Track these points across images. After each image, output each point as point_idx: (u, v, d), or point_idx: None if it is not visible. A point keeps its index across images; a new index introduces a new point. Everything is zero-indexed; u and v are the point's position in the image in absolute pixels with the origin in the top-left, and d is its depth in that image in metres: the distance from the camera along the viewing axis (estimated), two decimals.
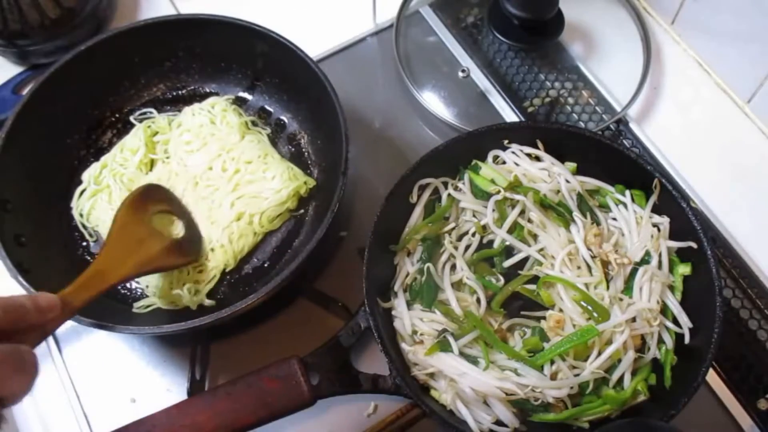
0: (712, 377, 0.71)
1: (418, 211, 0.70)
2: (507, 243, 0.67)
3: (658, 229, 0.68)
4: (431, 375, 0.64)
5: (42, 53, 0.86)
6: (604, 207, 0.71)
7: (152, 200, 0.68)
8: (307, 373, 0.62)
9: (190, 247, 0.67)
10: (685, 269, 0.66)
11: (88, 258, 0.75)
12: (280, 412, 0.60)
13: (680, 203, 0.66)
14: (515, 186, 0.68)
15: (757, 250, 0.77)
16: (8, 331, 0.43)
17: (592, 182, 0.71)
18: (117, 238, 0.62)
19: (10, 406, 0.41)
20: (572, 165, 0.72)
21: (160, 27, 0.78)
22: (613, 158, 0.69)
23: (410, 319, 0.66)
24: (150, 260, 0.62)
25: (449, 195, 0.70)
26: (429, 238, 0.68)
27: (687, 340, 0.64)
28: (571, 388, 0.61)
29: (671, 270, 0.67)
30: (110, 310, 0.71)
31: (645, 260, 0.66)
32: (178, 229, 0.67)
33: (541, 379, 0.61)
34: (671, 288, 0.66)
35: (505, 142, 0.71)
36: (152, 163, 0.79)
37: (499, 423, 0.62)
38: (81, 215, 0.76)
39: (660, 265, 0.66)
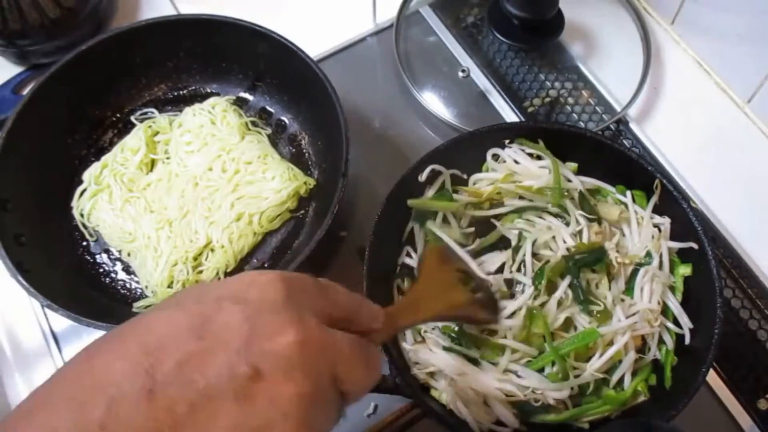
0: (712, 377, 0.71)
1: (430, 193, 0.71)
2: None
3: (659, 230, 0.68)
4: (431, 374, 0.64)
5: (42, 53, 0.86)
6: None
7: (451, 260, 0.65)
8: None
9: (490, 307, 0.64)
10: (685, 270, 0.66)
11: (88, 258, 0.76)
12: None
13: (681, 204, 0.66)
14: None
15: (757, 250, 0.77)
16: (348, 325, 0.41)
17: (593, 182, 0.71)
18: (428, 278, 0.59)
19: (351, 402, 0.39)
20: (573, 165, 0.71)
21: (160, 27, 0.78)
22: (614, 158, 0.69)
23: None
24: (458, 306, 0.59)
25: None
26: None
27: (687, 340, 0.63)
28: (572, 389, 0.61)
29: (672, 271, 0.67)
30: (110, 310, 0.71)
31: (646, 261, 0.66)
32: (475, 293, 0.64)
33: (541, 381, 0.61)
34: (672, 288, 0.66)
35: (506, 142, 0.71)
36: (153, 164, 0.79)
37: (499, 423, 0.62)
38: (81, 215, 0.76)
39: (661, 266, 0.66)
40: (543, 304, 0.64)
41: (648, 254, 0.66)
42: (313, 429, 0.35)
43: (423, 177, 0.68)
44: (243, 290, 0.36)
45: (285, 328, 0.34)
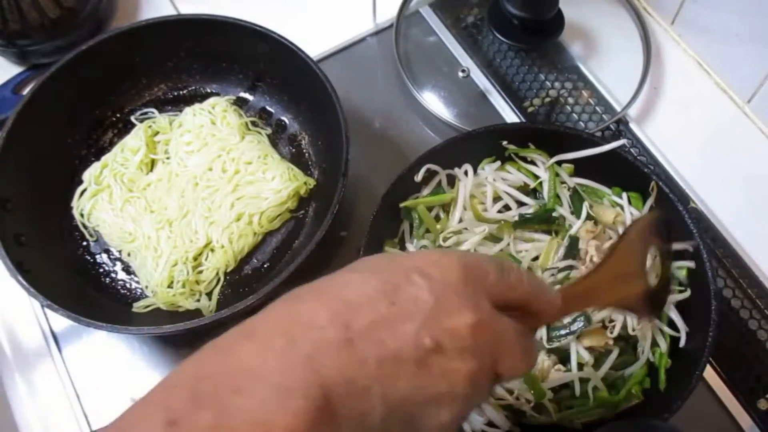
0: (712, 377, 0.70)
1: (425, 193, 0.71)
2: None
3: None
4: None
5: (42, 53, 0.86)
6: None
7: (656, 234, 0.60)
8: None
9: (656, 304, 0.60)
10: (681, 273, 0.66)
11: (88, 258, 0.76)
12: None
13: (677, 206, 0.66)
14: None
15: (757, 250, 0.77)
16: (522, 307, 0.43)
17: (590, 184, 0.71)
18: (618, 260, 0.55)
19: (503, 383, 0.44)
20: (569, 167, 0.72)
21: (160, 27, 0.78)
22: (611, 160, 0.69)
23: None
24: (629, 300, 0.56)
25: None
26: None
27: (683, 343, 0.64)
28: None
29: None
30: (110, 310, 0.71)
31: None
32: (653, 279, 0.59)
33: (519, 384, 0.61)
34: None
35: (504, 143, 0.71)
36: (153, 164, 0.79)
37: (491, 424, 0.62)
38: (81, 215, 0.76)
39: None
40: None
41: None
42: (471, 405, 0.39)
43: (419, 177, 0.69)
44: (429, 267, 0.39)
45: (463, 310, 0.37)
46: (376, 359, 0.35)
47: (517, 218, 0.69)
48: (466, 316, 0.37)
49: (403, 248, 0.70)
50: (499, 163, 0.72)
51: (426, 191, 0.71)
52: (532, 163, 0.72)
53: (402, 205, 0.69)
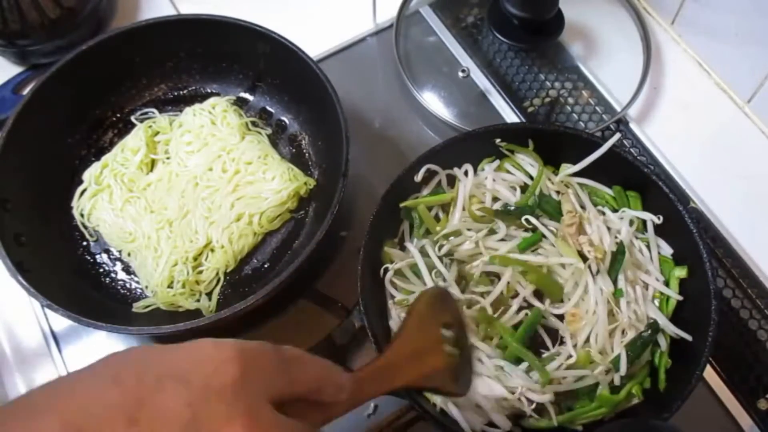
0: (712, 377, 0.71)
1: (425, 193, 0.71)
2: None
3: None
4: None
5: (42, 53, 0.86)
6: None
7: (445, 307, 0.58)
8: None
9: (463, 378, 0.57)
10: (681, 272, 0.66)
11: (88, 258, 0.76)
12: None
13: (677, 206, 0.66)
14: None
15: (757, 250, 0.77)
16: (303, 399, 0.38)
17: (589, 183, 0.71)
18: (411, 334, 0.53)
19: None
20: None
21: (160, 27, 0.78)
22: (611, 160, 0.69)
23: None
24: (432, 375, 0.53)
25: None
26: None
27: (688, 337, 0.64)
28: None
29: (667, 273, 0.67)
30: (110, 310, 0.71)
31: (620, 249, 0.66)
32: (455, 351, 0.57)
33: (526, 380, 0.61)
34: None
35: (497, 141, 0.71)
36: (153, 164, 0.79)
37: (491, 424, 0.62)
38: (81, 215, 0.76)
39: (652, 259, 0.67)
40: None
41: (621, 247, 0.66)
42: None
43: (419, 177, 0.69)
44: (191, 369, 0.32)
45: (231, 421, 0.31)
46: None
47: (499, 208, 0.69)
48: (237, 427, 0.31)
49: (403, 248, 0.70)
50: (498, 162, 0.72)
51: (426, 191, 0.71)
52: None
53: (402, 204, 0.69)
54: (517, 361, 0.62)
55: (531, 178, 0.71)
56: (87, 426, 0.30)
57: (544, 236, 0.67)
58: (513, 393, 0.61)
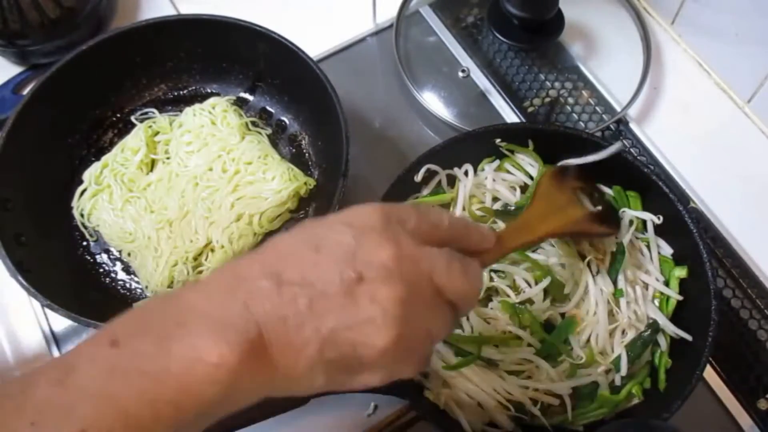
0: (712, 377, 0.71)
1: (425, 193, 0.71)
2: None
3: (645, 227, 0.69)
4: (425, 375, 0.64)
5: (42, 53, 0.86)
6: None
7: (572, 177, 0.67)
8: None
9: (609, 220, 0.67)
10: (681, 272, 0.66)
11: (88, 258, 0.76)
12: (272, 411, 0.60)
13: (677, 206, 0.66)
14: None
15: (757, 250, 0.77)
16: (450, 246, 0.45)
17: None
18: (541, 199, 0.63)
19: (463, 313, 0.46)
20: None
21: (160, 27, 0.78)
22: (611, 159, 0.69)
23: None
24: (574, 222, 0.63)
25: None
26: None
27: (686, 336, 0.64)
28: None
29: (667, 273, 0.67)
30: (110, 310, 0.71)
31: (619, 249, 0.66)
32: (596, 207, 0.66)
33: (549, 371, 0.61)
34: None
35: (497, 141, 0.71)
36: (153, 164, 0.79)
37: (492, 424, 0.62)
38: (82, 215, 0.76)
39: (652, 259, 0.67)
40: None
41: (620, 246, 0.66)
42: (411, 327, 0.41)
43: (419, 177, 0.69)
44: (350, 217, 0.43)
45: (383, 245, 0.41)
46: (306, 298, 0.39)
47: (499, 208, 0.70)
48: (386, 248, 0.41)
49: None
50: (498, 162, 0.72)
51: (426, 191, 0.71)
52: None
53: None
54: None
55: (531, 178, 0.71)
56: (287, 255, 0.41)
57: None
58: (537, 389, 0.61)
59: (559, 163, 0.67)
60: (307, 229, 0.43)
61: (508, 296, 0.64)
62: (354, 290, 0.39)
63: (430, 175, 0.70)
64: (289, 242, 0.42)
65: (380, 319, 0.39)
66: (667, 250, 0.68)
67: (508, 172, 0.72)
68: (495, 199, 0.71)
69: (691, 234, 0.65)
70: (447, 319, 0.44)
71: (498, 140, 0.71)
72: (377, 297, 0.40)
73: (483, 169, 0.72)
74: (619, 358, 0.62)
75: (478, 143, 0.71)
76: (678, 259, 0.67)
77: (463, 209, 0.69)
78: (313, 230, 0.43)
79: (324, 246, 0.41)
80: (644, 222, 0.69)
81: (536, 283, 0.64)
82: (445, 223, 0.46)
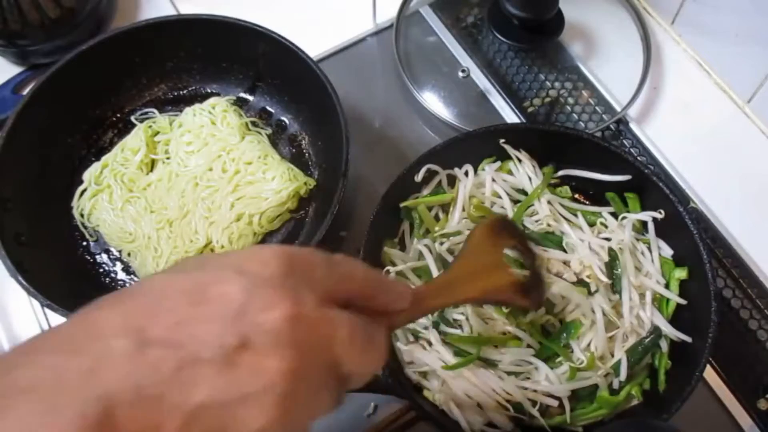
0: (712, 377, 0.71)
1: (425, 193, 0.71)
2: None
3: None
4: (424, 375, 0.64)
5: (42, 53, 0.86)
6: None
7: (507, 233, 0.62)
8: None
9: (533, 293, 0.61)
10: (681, 273, 0.66)
11: (88, 258, 0.76)
12: None
13: (677, 206, 0.66)
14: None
15: (757, 250, 0.77)
16: (358, 304, 0.40)
17: (582, 208, 0.71)
18: (470, 256, 0.57)
19: (353, 386, 0.39)
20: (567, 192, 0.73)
21: (160, 27, 0.78)
22: (611, 160, 0.69)
23: None
24: (497, 290, 0.57)
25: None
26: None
27: (686, 339, 0.64)
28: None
29: (667, 274, 0.67)
30: None
31: (613, 255, 0.66)
32: (523, 272, 0.61)
33: (549, 374, 0.61)
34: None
35: (501, 141, 0.71)
36: (153, 164, 0.79)
37: (491, 425, 0.62)
38: (81, 215, 0.76)
39: (652, 257, 0.67)
40: None
41: (613, 253, 0.66)
42: (298, 406, 0.34)
43: (419, 177, 0.69)
44: (246, 262, 0.36)
45: (278, 302, 0.34)
46: (173, 362, 0.32)
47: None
48: (281, 307, 0.34)
49: (403, 248, 0.70)
50: (499, 163, 0.72)
51: (426, 191, 0.71)
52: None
53: (402, 204, 0.69)
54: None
55: (531, 180, 0.71)
56: (157, 307, 0.34)
57: None
58: (535, 390, 0.61)
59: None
60: (192, 271, 0.36)
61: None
62: (234, 358, 0.33)
63: (430, 175, 0.70)
64: (165, 286, 0.35)
65: (261, 397, 0.33)
66: (668, 251, 0.68)
67: (509, 172, 0.72)
68: (496, 195, 0.71)
69: (691, 234, 0.65)
70: (336, 395, 0.37)
71: (502, 141, 0.71)
72: (261, 369, 0.33)
73: (483, 169, 0.72)
74: (619, 362, 0.62)
75: (478, 143, 0.71)
76: (678, 260, 0.67)
77: (463, 209, 0.69)
78: (197, 274, 0.35)
79: (207, 299, 0.34)
80: (644, 223, 0.69)
81: None
82: (358, 276, 0.40)
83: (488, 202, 0.70)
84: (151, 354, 0.32)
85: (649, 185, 0.68)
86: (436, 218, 0.71)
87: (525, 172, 0.71)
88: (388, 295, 0.42)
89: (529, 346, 0.63)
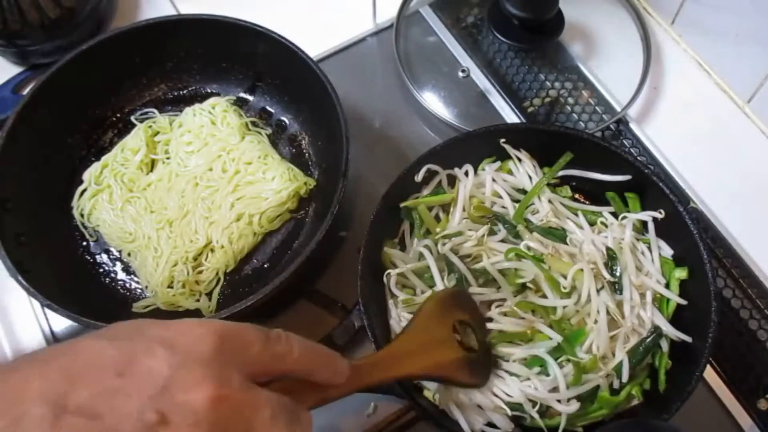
0: (712, 377, 0.71)
1: (425, 193, 0.71)
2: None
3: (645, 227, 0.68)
4: None
5: (42, 53, 0.86)
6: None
7: (460, 306, 0.61)
8: None
9: (479, 370, 0.60)
10: (681, 273, 0.66)
11: (88, 258, 0.76)
12: None
13: (677, 206, 0.66)
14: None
15: (758, 250, 0.77)
16: (292, 382, 0.41)
17: (583, 207, 0.71)
18: (418, 330, 0.56)
19: None
20: (568, 192, 0.72)
21: (160, 27, 0.78)
22: (611, 160, 0.69)
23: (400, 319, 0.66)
24: (440, 366, 0.56)
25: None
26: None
27: (686, 339, 0.64)
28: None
29: (667, 274, 0.67)
30: (110, 310, 0.71)
31: (611, 253, 0.66)
32: (469, 353, 0.60)
33: (553, 382, 0.61)
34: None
35: (501, 141, 0.71)
36: (153, 164, 0.79)
37: (491, 425, 0.62)
38: (81, 215, 0.76)
39: (653, 258, 0.67)
40: None
41: (610, 251, 0.66)
42: None
43: (419, 177, 0.69)
44: (178, 336, 0.36)
45: (202, 382, 0.35)
46: None
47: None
48: (204, 389, 0.34)
49: (403, 248, 0.70)
50: (499, 163, 0.72)
51: (426, 191, 0.71)
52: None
53: (402, 204, 0.69)
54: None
55: (531, 179, 0.71)
56: (80, 374, 0.34)
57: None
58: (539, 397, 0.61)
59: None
60: (122, 340, 0.36)
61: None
62: None
63: (430, 175, 0.70)
64: (93, 352, 0.35)
65: None
66: (668, 251, 0.68)
67: (510, 172, 0.72)
68: (496, 195, 0.71)
69: (691, 234, 0.65)
70: None
71: (503, 140, 0.71)
72: None
73: (483, 169, 0.72)
74: (620, 363, 0.62)
75: (478, 143, 0.71)
76: (678, 260, 0.67)
77: (464, 209, 0.69)
78: (127, 344, 0.35)
79: (131, 371, 0.34)
80: (644, 223, 0.69)
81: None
82: (294, 354, 0.40)
83: (488, 202, 0.70)
84: (69, 424, 0.32)
85: (649, 185, 0.68)
86: (437, 218, 0.71)
87: (525, 171, 0.71)
88: (325, 371, 0.43)
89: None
